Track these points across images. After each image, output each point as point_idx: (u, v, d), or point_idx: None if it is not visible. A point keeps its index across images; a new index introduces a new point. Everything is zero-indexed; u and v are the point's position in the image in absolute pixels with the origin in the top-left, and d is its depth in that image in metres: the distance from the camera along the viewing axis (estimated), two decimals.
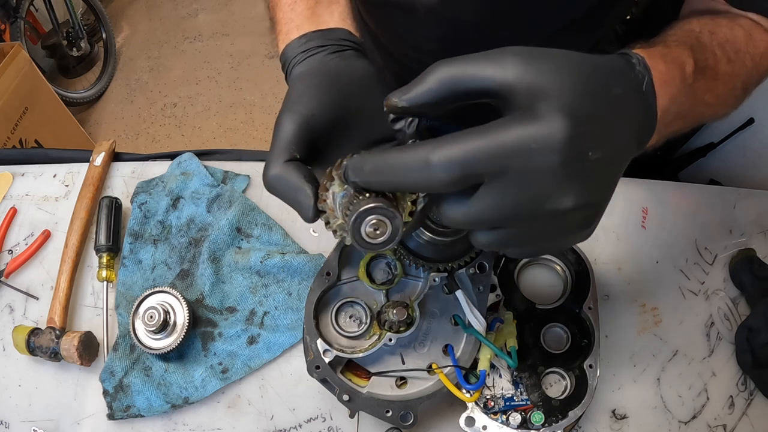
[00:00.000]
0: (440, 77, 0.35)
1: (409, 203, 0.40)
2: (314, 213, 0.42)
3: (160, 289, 0.69)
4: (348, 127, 0.48)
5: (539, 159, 0.32)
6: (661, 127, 0.41)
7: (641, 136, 0.40)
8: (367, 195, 0.38)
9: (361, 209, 0.37)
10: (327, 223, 0.42)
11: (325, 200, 0.42)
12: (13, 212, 0.81)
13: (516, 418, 0.59)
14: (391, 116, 0.42)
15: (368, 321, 0.60)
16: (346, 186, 0.40)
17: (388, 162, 0.35)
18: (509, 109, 0.34)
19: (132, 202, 0.79)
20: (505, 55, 0.34)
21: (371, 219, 0.38)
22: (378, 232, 0.38)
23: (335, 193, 0.41)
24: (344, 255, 0.62)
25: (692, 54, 0.46)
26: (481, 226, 0.37)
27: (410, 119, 0.43)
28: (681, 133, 0.48)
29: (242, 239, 0.75)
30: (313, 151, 0.47)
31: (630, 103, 0.38)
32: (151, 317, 0.66)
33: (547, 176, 0.32)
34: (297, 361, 0.68)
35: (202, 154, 0.83)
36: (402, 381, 0.60)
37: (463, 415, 0.59)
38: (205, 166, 0.80)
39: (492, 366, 0.61)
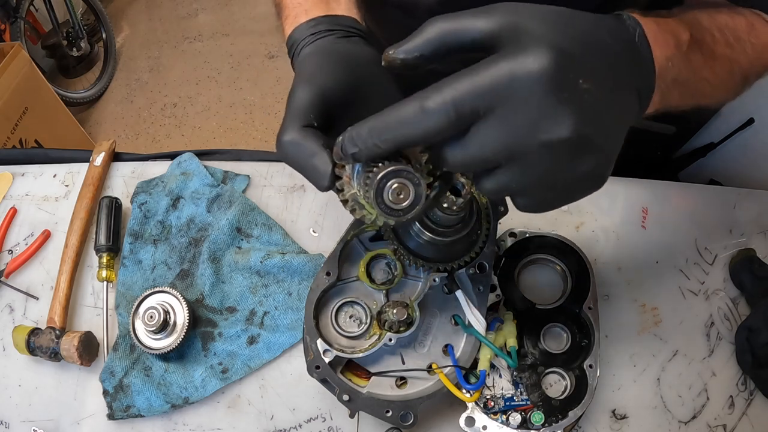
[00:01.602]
0: (435, 30, 0.37)
1: (426, 176, 0.40)
2: (331, 179, 0.41)
3: (160, 289, 0.69)
4: (358, 107, 0.48)
5: (526, 86, 0.33)
6: (661, 85, 0.42)
7: (641, 87, 0.40)
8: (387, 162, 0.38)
9: (385, 171, 0.37)
10: (339, 191, 0.41)
11: (343, 166, 0.41)
12: (13, 212, 0.81)
13: (516, 418, 0.59)
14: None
15: (368, 321, 0.60)
16: None
17: (383, 120, 0.35)
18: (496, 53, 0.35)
19: (132, 202, 0.79)
20: (495, 8, 0.36)
21: (393, 183, 0.38)
22: (401, 196, 0.38)
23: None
24: (344, 255, 0.62)
25: (688, 28, 0.46)
26: (482, 165, 0.37)
27: None
28: (684, 109, 0.48)
29: (242, 239, 0.75)
30: (328, 124, 0.46)
31: (622, 50, 0.39)
32: (151, 317, 0.66)
33: (535, 102, 0.33)
34: (297, 361, 0.68)
35: (202, 154, 0.83)
36: (402, 381, 0.60)
37: (463, 415, 0.59)
38: (205, 166, 0.80)
39: (492, 366, 0.61)
